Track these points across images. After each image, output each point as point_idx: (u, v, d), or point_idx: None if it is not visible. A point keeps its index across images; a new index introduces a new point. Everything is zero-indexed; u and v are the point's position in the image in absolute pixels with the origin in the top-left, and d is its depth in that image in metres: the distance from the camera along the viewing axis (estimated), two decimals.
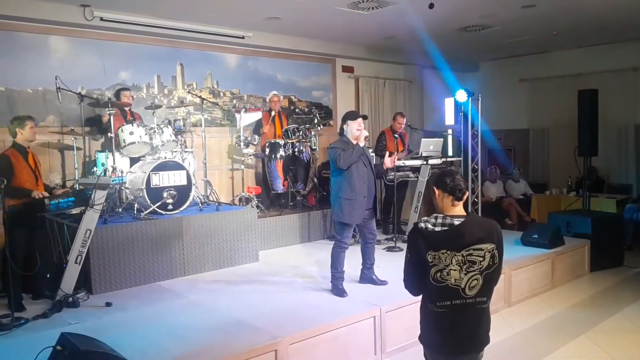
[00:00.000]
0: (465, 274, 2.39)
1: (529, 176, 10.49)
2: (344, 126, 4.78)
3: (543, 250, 6.25)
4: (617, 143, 9.44)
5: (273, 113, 7.54)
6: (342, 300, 4.58)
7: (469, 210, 7.26)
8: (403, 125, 7.37)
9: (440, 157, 7.02)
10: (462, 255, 2.38)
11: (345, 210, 4.66)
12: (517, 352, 4.50)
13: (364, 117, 4.84)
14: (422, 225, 2.44)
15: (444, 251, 2.37)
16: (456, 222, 2.41)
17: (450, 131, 8.16)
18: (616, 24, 7.80)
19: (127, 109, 6.31)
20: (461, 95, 7.62)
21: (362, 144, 4.70)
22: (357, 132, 4.67)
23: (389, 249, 6.47)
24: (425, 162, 6.79)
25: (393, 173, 6.67)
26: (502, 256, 2.48)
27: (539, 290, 6.03)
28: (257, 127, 7.37)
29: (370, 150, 7.49)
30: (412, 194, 7.29)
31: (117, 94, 6.37)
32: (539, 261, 6.06)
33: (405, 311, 4.34)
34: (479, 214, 7.62)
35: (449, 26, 7.68)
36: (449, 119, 8.09)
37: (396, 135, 7.25)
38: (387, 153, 5.20)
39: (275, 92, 7.70)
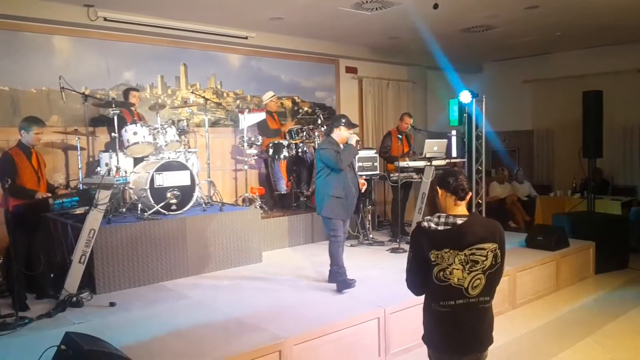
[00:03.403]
0: (468, 274, 2.40)
1: (533, 178, 10.47)
2: (335, 129, 4.86)
3: (548, 252, 6.22)
4: (622, 144, 9.42)
5: (272, 113, 7.54)
6: (347, 301, 4.56)
7: (473, 210, 7.26)
8: (409, 126, 7.36)
9: (444, 158, 7.00)
10: (465, 254, 2.39)
11: (335, 208, 4.80)
12: (522, 354, 4.48)
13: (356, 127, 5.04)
14: (425, 224, 2.46)
15: (447, 250, 2.39)
16: (459, 221, 2.42)
17: (454, 132, 8.16)
18: (620, 25, 7.78)
19: (133, 108, 6.30)
20: (465, 97, 7.60)
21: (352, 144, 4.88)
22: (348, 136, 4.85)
23: (393, 250, 6.46)
24: (429, 164, 6.77)
25: (397, 174, 6.66)
26: (504, 256, 2.50)
27: (543, 292, 6.00)
28: (264, 128, 7.33)
29: (374, 151, 7.51)
30: (416, 195, 7.28)
31: (126, 94, 6.37)
32: (543, 263, 6.03)
33: (409, 312, 4.32)
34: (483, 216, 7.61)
35: (453, 27, 7.67)
36: (453, 120, 8.08)
37: (400, 136, 7.24)
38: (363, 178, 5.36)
39: (272, 93, 7.66)
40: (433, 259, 2.40)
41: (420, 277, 2.49)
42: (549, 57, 10.20)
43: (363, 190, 5.10)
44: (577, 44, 9.32)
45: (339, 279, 4.84)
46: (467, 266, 2.39)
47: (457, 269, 2.39)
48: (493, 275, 2.46)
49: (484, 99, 7.72)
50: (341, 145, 4.82)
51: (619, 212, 8.01)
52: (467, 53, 9.80)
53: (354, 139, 4.84)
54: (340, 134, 4.84)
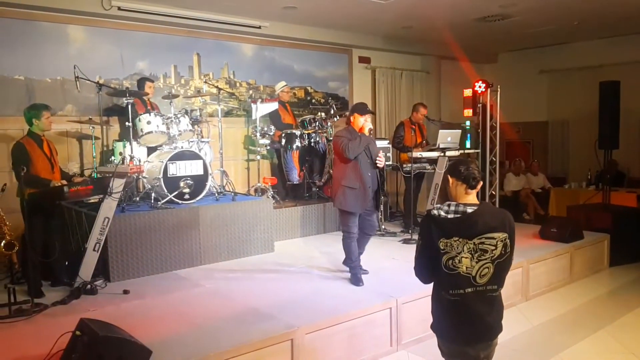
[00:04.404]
0: (477, 262, 2.39)
1: (548, 169, 10.37)
2: (351, 117, 4.80)
3: (562, 244, 6.17)
4: (639, 136, 9.27)
5: (285, 103, 7.52)
6: (359, 291, 4.56)
7: (487, 200, 7.18)
8: (424, 117, 7.30)
9: (458, 149, 6.95)
10: (474, 243, 2.38)
11: (348, 199, 4.66)
12: (535, 346, 4.44)
13: (371, 113, 4.87)
14: (435, 212, 2.45)
15: (456, 239, 2.38)
16: (469, 210, 2.41)
17: (468, 123, 8.08)
18: (639, 14, 7.63)
19: (146, 98, 6.33)
20: (479, 87, 7.52)
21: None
22: (363, 123, 4.72)
23: (405, 241, 6.44)
24: (442, 154, 6.73)
25: (410, 165, 6.63)
26: (513, 246, 2.48)
27: (557, 284, 5.96)
28: (275, 118, 7.32)
29: (387, 142, 7.47)
30: (429, 186, 7.24)
31: (142, 84, 6.37)
32: (557, 255, 5.98)
33: (421, 303, 4.30)
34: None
35: (468, 16, 7.59)
36: (467, 110, 8.00)
37: (413, 127, 7.18)
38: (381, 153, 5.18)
39: (285, 83, 7.64)
40: (442, 247, 2.39)
41: (428, 265, 2.48)
42: (566, 47, 10.06)
43: (381, 166, 4.83)
44: (595, 34, 9.18)
45: (351, 272, 4.83)
46: (476, 255, 2.38)
47: (466, 258, 2.38)
48: (502, 265, 2.44)
49: (498, 89, 7.64)
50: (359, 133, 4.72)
51: (635, 204, 7.90)
52: (482, 43, 9.69)
53: (366, 128, 4.73)
54: (355, 121, 4.76)
